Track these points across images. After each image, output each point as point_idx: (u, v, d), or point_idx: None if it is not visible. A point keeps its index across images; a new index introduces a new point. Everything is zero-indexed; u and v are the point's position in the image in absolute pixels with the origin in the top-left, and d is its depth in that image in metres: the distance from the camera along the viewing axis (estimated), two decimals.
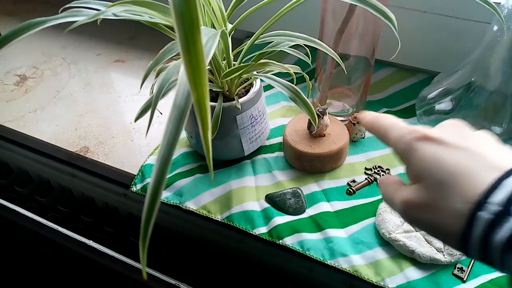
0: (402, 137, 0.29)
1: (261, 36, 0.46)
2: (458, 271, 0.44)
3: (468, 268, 0.44)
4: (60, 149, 0.59)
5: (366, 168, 0.55)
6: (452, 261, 0.44)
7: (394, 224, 0.46)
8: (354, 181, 0.53)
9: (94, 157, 0.57)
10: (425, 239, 0.45)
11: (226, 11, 0.46)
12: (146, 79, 0.41)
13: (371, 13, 0.44)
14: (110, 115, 0.64)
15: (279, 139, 0.58)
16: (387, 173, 0.54)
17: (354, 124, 0.57)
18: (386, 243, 0.46)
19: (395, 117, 0.33)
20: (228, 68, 0.46)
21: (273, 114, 0.62)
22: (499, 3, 0.44)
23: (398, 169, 0.54)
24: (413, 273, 0.44)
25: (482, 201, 0.24)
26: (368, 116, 0.35)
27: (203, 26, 0.42)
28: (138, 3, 0.38)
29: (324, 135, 0.54)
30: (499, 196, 0.24)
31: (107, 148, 0.58)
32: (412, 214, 0.28)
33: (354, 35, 0.53)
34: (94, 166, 0.57)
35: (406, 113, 0.61)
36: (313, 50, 0.52)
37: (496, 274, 0.44)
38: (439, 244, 0.45)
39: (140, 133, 0.61)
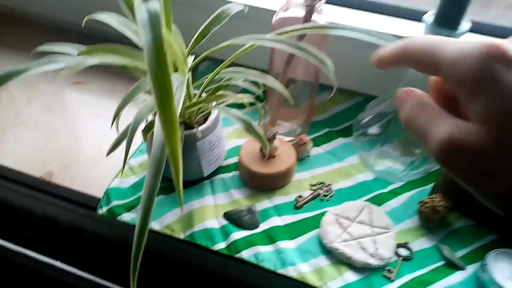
0: (466, 55, 0.20)
1: (225, 72, 0.52)
2: (387, 272, 0.52)
3: (395, 269, 0.53)
4: (24, 175, 0.61)
5: (311, 184, 0.62)
6: (382, 264, 0.52)
7: (334, 234, 0.54)
8: (300, 196, 0.60)
9: (59, 181, 0.60)
10: (360, 246, 0.53)
11: (186, 47, 0.51)
12: (118, 116, 0.45)
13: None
14: (72, 138, 0.67)
15: (235, 159, 0.64)
16: (329, 188, 0.62)
17: (300, 145, 0.64)
18: (328, 252, 0.54)
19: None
20: (189, 101, 0.52)
21: (229, 135, 0.68)
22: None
23: (339, 184, 0.62)
24: (350, 277, 0.52)
25: None
26: (392, 50, 0.24)
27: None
28: (110, 50, 0.42)
29: (275, 156, 0.61)
30: None
31: (72, 172, 0.61)
32: (459, 160, 0.21)
33: (300, 63, 0.60)
34: (59, 190, 0.60)
35: (345, 133, 0.69)
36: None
37: (419, 273, 0.53)
38: (371, 250, 0.53)
39: (103, 155, 0.64)
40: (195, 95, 0.54)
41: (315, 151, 0.67)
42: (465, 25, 0.48)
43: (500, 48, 0.19)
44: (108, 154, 0.45)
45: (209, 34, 0.52)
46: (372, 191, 0.61)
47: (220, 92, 0.54)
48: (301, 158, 0.66)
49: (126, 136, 0.43)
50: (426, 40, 0.22)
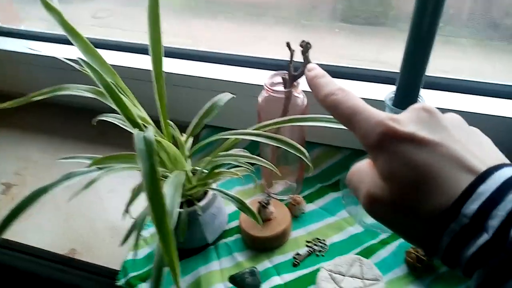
0: (369, 130, 0.27)
1: (217, 156, 0.60)
2: None
3: None
4: (50, 253, 0.69)
5: (306, 241, 0.68)
6: None
7: None
8: (298, 254, 0.66)
9: (81, 257, 0.68)
10: None
11: (187, 148, 0.59)
12: (131, 204, 0.53)
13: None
14: (91, 215, 0.75)
15: (236, 222, 0.71)
16: (324, 243, 0.68)
17: (294, 205, 0.71)
18: None
19: (354, 96, 0.29)
20: (190, 184, 0.59)
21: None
22: None
23: (333, 238, 0.68)
24: None
25: (453, 211, 0.23)
26: (326, 96, 0.30)
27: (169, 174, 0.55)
28: (118, 158, 0.50)
29: (271, 219, 0.67)
30: (470, 207, 0.22)
31: (92, 248, 0.69)
32: (377, 210, 0.27)
33: (286, 128, 0.67)
34: (82, 265, 0.67)
35: (336, 187, 0.75)
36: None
37: None
38: None
39: (119, 229, 0.72)
40: (194, 173, 0.61)
41: (309, 207, 0.73)
42: (420, 102, 0.54)
43: (393, 128, 0.26)
44: (122, 244, 0.52)
45: (203, 125, 0.60)
46: (363, 242, 0.67)
47: (216, 171, 0.61)
48: (297, 216, 0.72)
49: (136, 227, 0.50)
50: (348, 104, 0.29)
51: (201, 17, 0.97)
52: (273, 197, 0.75)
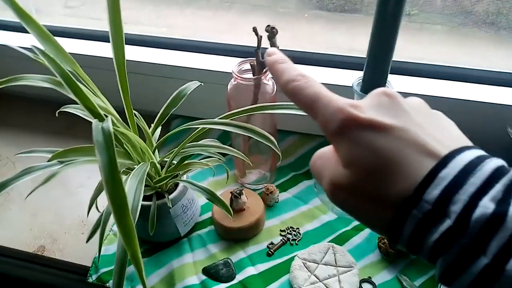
0: (330, 116, 0.26)
1: (185, 148, 0.58)
2: None
3: None
4: (17, 251, 0.67)
5: (280, 230, 0.68)
6: None
7: (302, 278, 0.60)
8: (272, 243, 0.66)
9: (50, 254, 0.66)
10: (326, 287, 0.59)
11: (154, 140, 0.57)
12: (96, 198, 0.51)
13: None
14: (60, 210, 0.72)
15: (209, 214, 0.70)
16: (298, 232, 0.67)
17: (267, 194, 0.70)
18: None
19: (315, 82, 0.29)
20: (158, 176, 0.58)
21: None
22: None
23: (306, 226, 0.68)
24: None
25: (415, 197, 0.22)
26: (287, 82, 0.29)
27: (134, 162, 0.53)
28: (79, 151, 0.48)
29: (244, 209, 0.67)
30: (432, 193, 0.22)
31: (61, 244, 0.67)
32: (339, 197, 0.26)
33: (257, 117, 0.66)
34: (52, 262, 0.65)
35: (309, 175, 0.75)
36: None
37: None
38: None
39: (90, 225, 0.70)
40: (162, 166, 0.60)
41: (283, 196, 0.73)
42: (388, 87, 0.54)
43: (353, 115, 0.25)
44: (87, 241, 0.51)
45: (169, 115, 0.58)
46: (336, 230, 0.67)
47: (186, 162, 0.60)
48: (271, 205, 0.71)
49: (102, 222, 0.49)
50: (309, 91, 0.28)
51: (176, 5, 0.95)
52: (246, 187, 0.74)
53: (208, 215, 0.70)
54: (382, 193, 0.24)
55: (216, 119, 0.53)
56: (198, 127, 0.52)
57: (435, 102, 0.69)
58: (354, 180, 0.25)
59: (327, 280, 0.60)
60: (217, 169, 0.77)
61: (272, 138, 0.51)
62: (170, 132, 0.56)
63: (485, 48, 0.78)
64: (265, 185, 0.71)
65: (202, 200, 0.71)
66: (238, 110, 0.53)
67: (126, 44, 0.49)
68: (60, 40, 0.50)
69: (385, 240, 0.62)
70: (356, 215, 0.26)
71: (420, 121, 0.25)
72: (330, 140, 0.27)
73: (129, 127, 0.55)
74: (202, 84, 0.60)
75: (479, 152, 0.23)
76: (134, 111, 0.56)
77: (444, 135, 0.25)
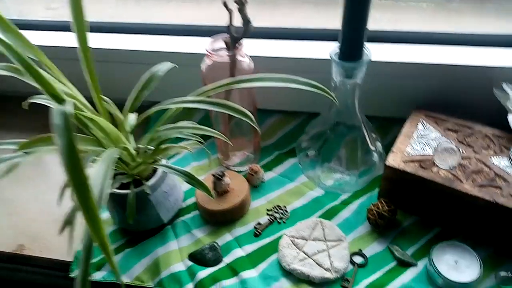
0: None
1: (160, 131, 0.56)
2: (344, 282, 0.56)
3: (352, 278, 0.57)
4: None
5: (267, 210, 0.66)
6: (339, 275, 0.57)
7: (292, 256, 0.58)
8: (259, 223, 0.64)
9: (30, 252, 0.63)
10: (316, 263, 0.57)
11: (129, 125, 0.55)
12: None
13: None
14: (37, 207, 0.70)
15: (193, 199, 0.68)
16: (285, 210, 0.66)
17: (252, 174, 0.68)
18: (288, 273, 0.58)
19: None
20: (133, 161, 0.55)
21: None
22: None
23: (294, 204, 0.66)
24: None
25: None
26: None
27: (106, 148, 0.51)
28: (47, 140, 0.46)
29: (229, 191, 0.65)
30: None
31: (42, 241, 0.65)
32: None
33: (235, 97, 0.63)
34: (32, 261, 0.63)
35: (294, 153, 0.73)
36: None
37: (374, 277, 0.57)
38: (327, 264, 0.57)
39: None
40: (138, 152, 0.58)
41: (269, 175, 0.71)
42: (367, 54, 0.52)
43: None
44: (60, 232, 0.48)
45: (143, 98, 0.56)
46: (324, 205, 0.66)
47: (163, 146, 0.58)
48: (257, 185, 0.70)
49: (72, 214, 0.46)
50: None
51: None
52: (231, 170, 0.72)
53: (192, 200, 0.68)
54: None
55: (188, 97, 0.50)
56: (170, 107, 0.50)
57: (419, 69, 0.68)
58: None
59: (317, 255, 0.58)
60: (201, 154, 0.75)
61: (248, 113, 0.49)
62: (143, 116, 0.53)
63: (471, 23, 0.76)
64: (249, 165, 0.69)
65: (185, 186, 0.69)
66: (211, 87, 0.50)
67: (95, 32, 0.47)
68: (29, 33, 0.48)
69: (374, 211, 0.60)
70: None
71: None
72: None
73: (99, 113, 0.52)
74: (177, 66, 0.58)
75: None
76: (106, 98, 0.54)
77: None
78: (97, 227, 0.33)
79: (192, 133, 0.57)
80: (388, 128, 0.72)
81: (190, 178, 0.53)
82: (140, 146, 0.56)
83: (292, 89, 0.74)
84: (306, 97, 0.72)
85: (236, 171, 0.71)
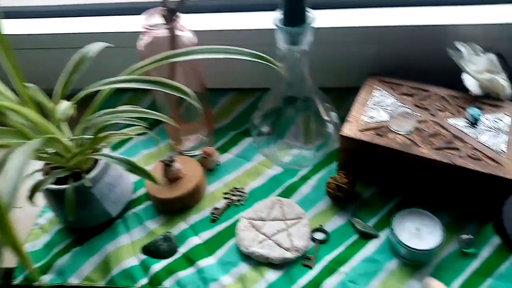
0: None
1: (93, 118, 0.51)
2: (306, 261, 0.54)
3: (313, 256, 0.54)
4: None
5: (224, 193, 0.63)
6: (300, 254, 0.54)
7: (250, 239, 0.55)
8: (216, 208, 0.61)
9: None
10: (276, 243, 0.55)
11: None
12: None
13: (187, 64, 0.52)
14: None
15: (144, 190, 0.64)
16: (243, 192, 0.62)
17: (206, 158, 0.64)
18: (247, 257, 0.55)
19: None
20: (68, 153, 0.51)
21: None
22: None
23: (251, 184, 0.63)
24: (271, 276, 0.53)
25: None
26: None
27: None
28: None
29: (181, 177, 0.61)
30: None
31: None
32: None
33: (179, 78, 0.59)
34: None
35: (250, 132, 0.70)
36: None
37: (336, 252, 0.55)
38: (287, 244, 0.54)
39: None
40: (77, 143, 0.53)
41: (225, 157, 0.68)
42: (310, 18, 0.48)
43: None
44: None
45: (73, 81, 0.51)
46: (283, 182, 0.63)
47: (102, 134, 0.53)
48: (212, 169, 0.66)
49: None
50: None
51: None
52: (185, 155, 0.68)
53: (143, 190, 0.64)
54: None
55: (119, 77, 0.46)
56: (100, 89, 0.45)
57: (368, 33, 0.65)
58: None
59: (276, 235, 0.56)
60: (152, 141, 0.71)
61: (187, 89, 0.45)
62: (73, 102, 0.48)
63: None
64: (203, 148, 0.65)
65: (135, 175, 0.65)
66: (145, 63, 0.46)
67: (25, 17, 0.41)
68: None
69: (333, 184, 0.58)
70: None
71: None
72: None
73: (23, 103, 0.47)
74: (112, 45, 0.53)
75: None
76: (31, 85, 0.49)
77: None
78: (6, 228, 0.29)
79: (137, 118, 0.52)
80: (345, 98, 0.69)
81: (131, 166, 0.49)
82: (74, 136, 0.51)
83: (242, 66, 0.70)
84: (258, 73, 0.68)
85: (189, 156, 0.67)
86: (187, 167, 0.62)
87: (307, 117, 0.59)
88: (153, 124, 0.74)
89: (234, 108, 0.73)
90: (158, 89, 0.45)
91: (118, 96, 0.76)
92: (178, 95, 0.45)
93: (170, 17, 0.54)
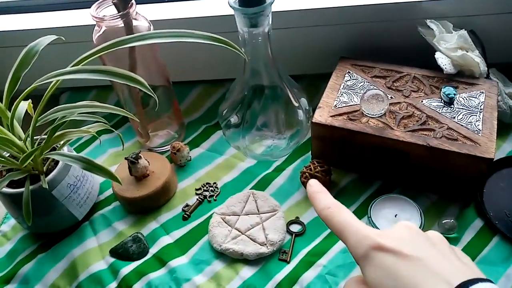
0: (358, 242, 0.30)
1: (47, 115, 0.48)
2: (282, 255, 0.52)
3: (289, 249, 0.52)
4: None
5: (196, 189, 0.60)
6: (276, 248, 0.52)
7: (222, 235, 0.53)
8: (187, 205, 0.58)
9: None
10: (250, 238, 0.52)
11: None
12: None
13: (148, 55, 0.50)
14: None
15: (111, 190, 0.61)
16: (215, 187, 0.60)
17: (175, 153, 0.61)
18: (221, 254, 0.52)
19: (347, 211, 0.32)
20: (22, 154, 0.48)
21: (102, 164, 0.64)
22: None
23: (224, 179, 0.60)
24: (246, 272, 0.50)
25: None
26: (321, 210, 0.33)
27: None
28: None
29: (148, 175, 0.58)
30: None
31: None
32: None
33: (140, 72, 0.56)
34: None
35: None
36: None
37: (313, 244, 0.52)
38: (261, 238, 0.52)
39: None
40: (33, 143, 0.50)
41: (196, 152, 0.65)
42: None
43: (379, 242, 0.28)
44: None
45: (21, 78, 0.47)
46: (257, 175, 0.60)
47: (58, 133, 0.50)
48: (183, 165, 0.63)
49: None
50: (338, 219, 0.31)
51: None
52: (154, 151, 0.65)
53: (110, 191, 0.61)
54: None
55: (66, 69, 0.43)
56: (45, 83, 0.42)
57: (335, 13, 0.62)
58: None
59: (250, 230, 0.53)
60: (119, 140, 0.68)
61: (139, 78, 0.42)
62: (19, 100, 0.45)
63: None
64: (171, 143, 0.63)
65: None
66: (92, 51, 0.43)
67: None
68: None
69: (307, 173, 0.55)
70: None
71: (437, 253, 0.28)
72: (358, 263, 0.30)
73: None
74: (63, 38, 0.50)
75: (491, 286, 0.25)
76: None
77: (459, 266, 0.28)
78: None
79: (104, 116, 0.49)
80: (319, 85, 0.67)
81: (88, 165, 0.46)
82: (27, 136, 0.48)
83: (210, 56, 0.67)
84: (227, 63, 0.66)
85: (159, 152, 0.64)
86: (155, 164, 0.59)
87: (277, 106, 0.56)
88: (121, 122, 0.71)
89: (205, 101, 0.71)
90: (107, 78, 0.42)
91: (84, 94, 0.73)
92: (131, 84, 0.42)
93: (123, 5, 0.51)
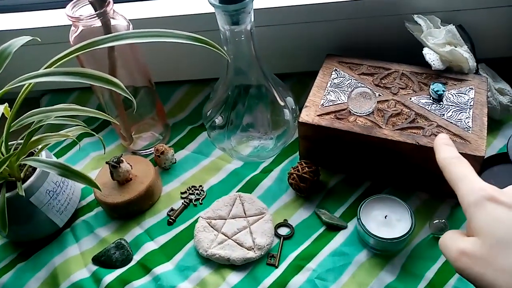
0: (472, 191, 0.31)
1: (21, 119, 0.46)
2: (270, 259, 0.50)
3: (278, 253, 0.51)
4: None
5: (181, 193, 0.58)
6: (263, 253, 0.50)
7: (208, 240, 0.51)
8: (172, 209, 0.57)
9: None
10: (237, 243, 0.51)
11: None
12: None
13: (128, 56, 0.48)
14: None
15: (93, 196, 0.59)
16: (201, 190, 0.58)
17: (159, 156, 0.60)
18: (207, 260, 0.51)
19: (468, 164, 0.34)
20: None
21: (84, 169, 0.62)
22: None
23: (210, 181, 0.59)
24: (234, 278, 0.49)
25: None
26: (444, 158, 0.35)
27: None
28: None
29: (131, 179, 0.56)
30: None
31: None
32: (465, 265, 0.29)
33: (120, 74, 0.54)
34: None
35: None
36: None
37: (302, 247, 0.51)
38: (249, 243, 0.50)
39: None
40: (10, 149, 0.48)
41: (181, 154, 0.63)
42: None
43: (495, 194, 0.30)
44: None
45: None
46: (244, 177, 0.59)
47: (34, 138, 0.48)
48: (167, 168, 0.61)
49: None
50: (458, 169, 0.34)
51: None
52: (138, 155, 0.64)
53: (92, 197, 0.59)
54: (507, 262, 0.27)
55: (40, 71, 0.41)
56: (16, 86, 0.40)
57: (320, 10, 0.61)
58: (483, 248, 0.29)
59: (237, 234, 0.52)
60: (101, 143, 0.66)
61: (115, 80, 0.40)
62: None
63: None
64: (154, 146, 0.61)
65: None
66: (65, 52, 0.41)
67: None
68: None
69: (294, 175, 0.54)
70: (477, 281, 0.29)
71: None
72: (467, 209, 0.31)
73: None
74: (38, 39, 0.48)
75: None
76: None
77: None
78: None
79: (84, 120, 0.48)
80: (307, 83, 0.65)
81: (64, 170, 0.44)
82: (1, 141, 0.46)
83: (193, 55, 0.66)
84: (212, 62, 0.64)
85: (143, 156, 0.62)
86: (138, 167, 0.57)
87: (262, 105, 0.54)
88: (103, 124, 0.69)
89: (189, 101, 0.69)
90: (81, 81, 0.40)
91: (65, 97, 0.71)
92: (106, 86, 0.40)
93: (99, 4, 0.49)
